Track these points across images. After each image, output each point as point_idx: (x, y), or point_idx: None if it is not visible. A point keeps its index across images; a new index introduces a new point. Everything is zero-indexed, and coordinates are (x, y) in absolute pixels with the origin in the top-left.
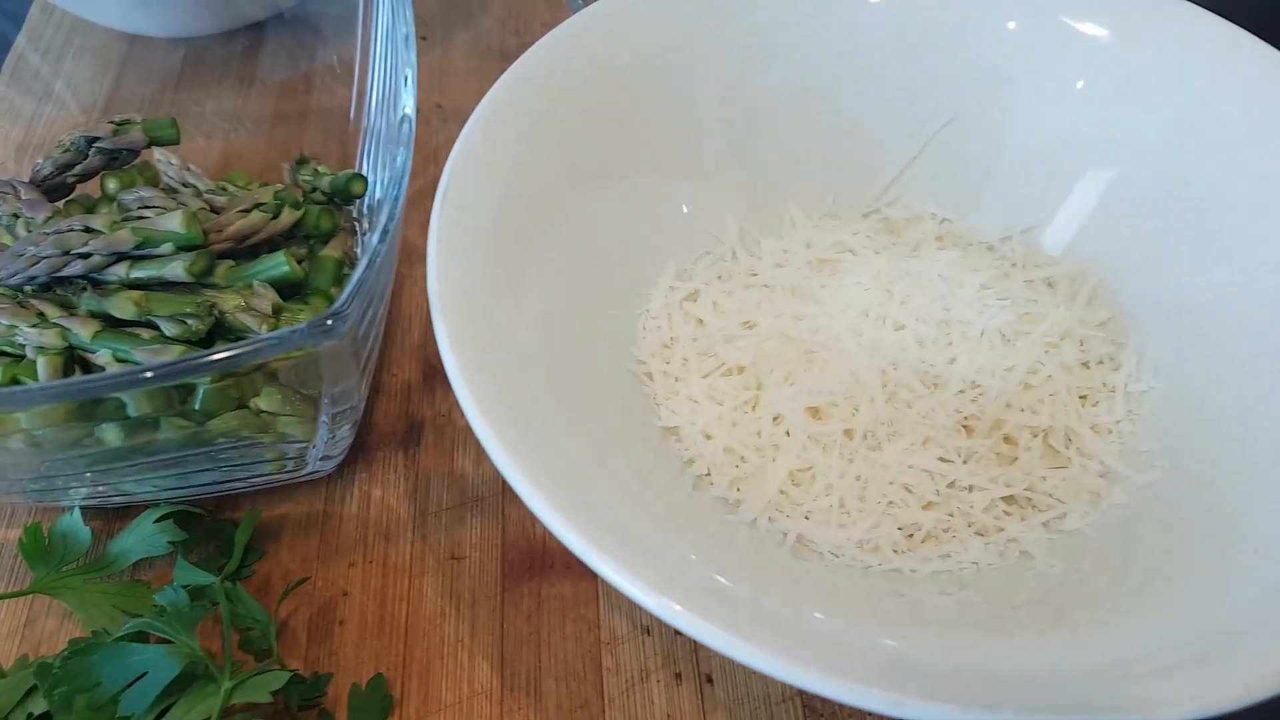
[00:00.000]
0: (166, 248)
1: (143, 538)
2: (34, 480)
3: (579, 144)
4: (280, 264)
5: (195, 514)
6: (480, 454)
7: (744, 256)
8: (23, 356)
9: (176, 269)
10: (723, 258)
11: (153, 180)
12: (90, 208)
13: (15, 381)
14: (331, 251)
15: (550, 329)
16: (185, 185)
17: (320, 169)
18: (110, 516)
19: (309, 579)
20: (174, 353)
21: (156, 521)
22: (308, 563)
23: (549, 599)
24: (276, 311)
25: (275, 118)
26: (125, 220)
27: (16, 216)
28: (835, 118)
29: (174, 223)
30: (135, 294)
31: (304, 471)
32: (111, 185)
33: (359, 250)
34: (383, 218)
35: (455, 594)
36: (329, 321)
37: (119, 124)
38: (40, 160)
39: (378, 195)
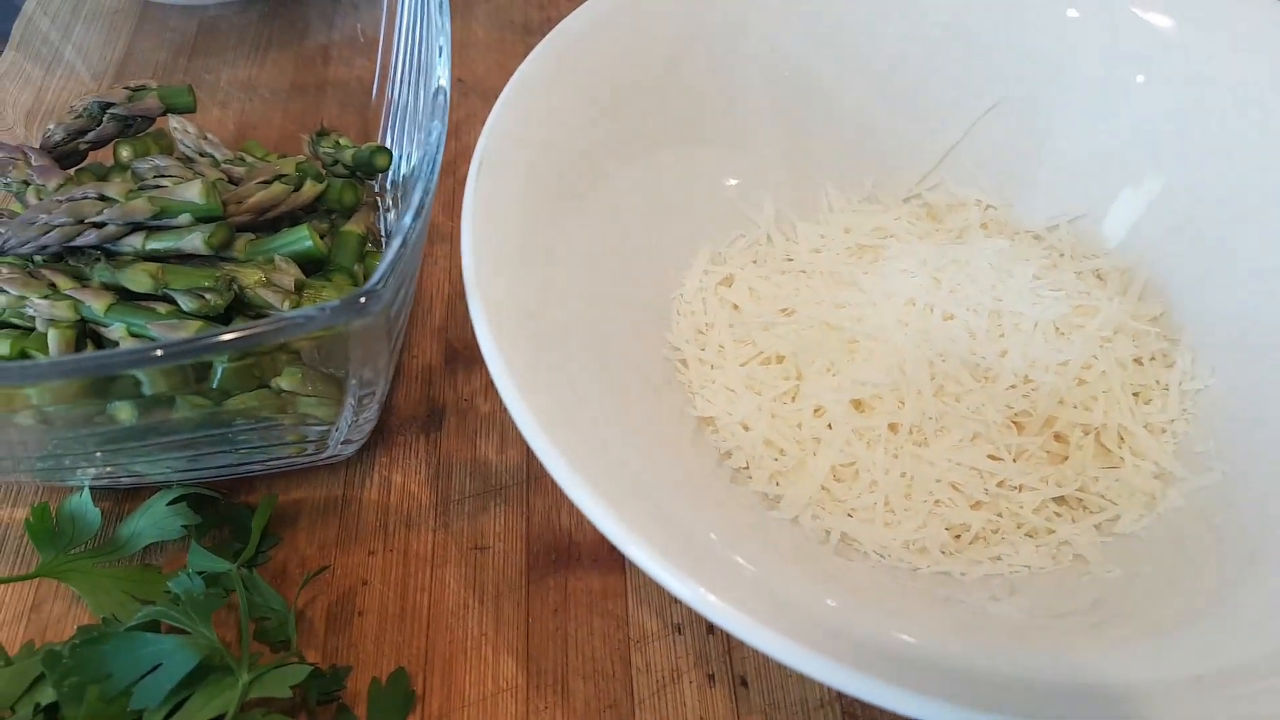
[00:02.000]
0: (184, 219)
1: (155, 520)
2: (42, 459)
3: (618, 115)
4: (303, 238)
5: (210, 497)
6: (504, 441)
7: (779, 241)
8: (32, 329)
9: (195, 241)
10: (757, 242)
11: (168, 149)
12: (102, 176)
13: (24, 355)
14: (354, 227)
15: (584, 309)
16: (202, 155)
17: (342, 141)
18: (120, 498)
19: (329, 567)
20: (191, 328)
21: (170, 504)
22: (326, 550)
23: (575, 593)
24: (299, 288)
25: (292, 89)
26: (141, 189)
27: (27, 184)
28: (881, 98)
29: (192, 193)
30: (151, 266)
31: (323, 455)
32: (125, 153)
33: (381, 226)
34: (417, 192)
35: (479, 586)
36: (362, 300)
37: (134, 90)
38: (52, 125)
39: (402, 171)
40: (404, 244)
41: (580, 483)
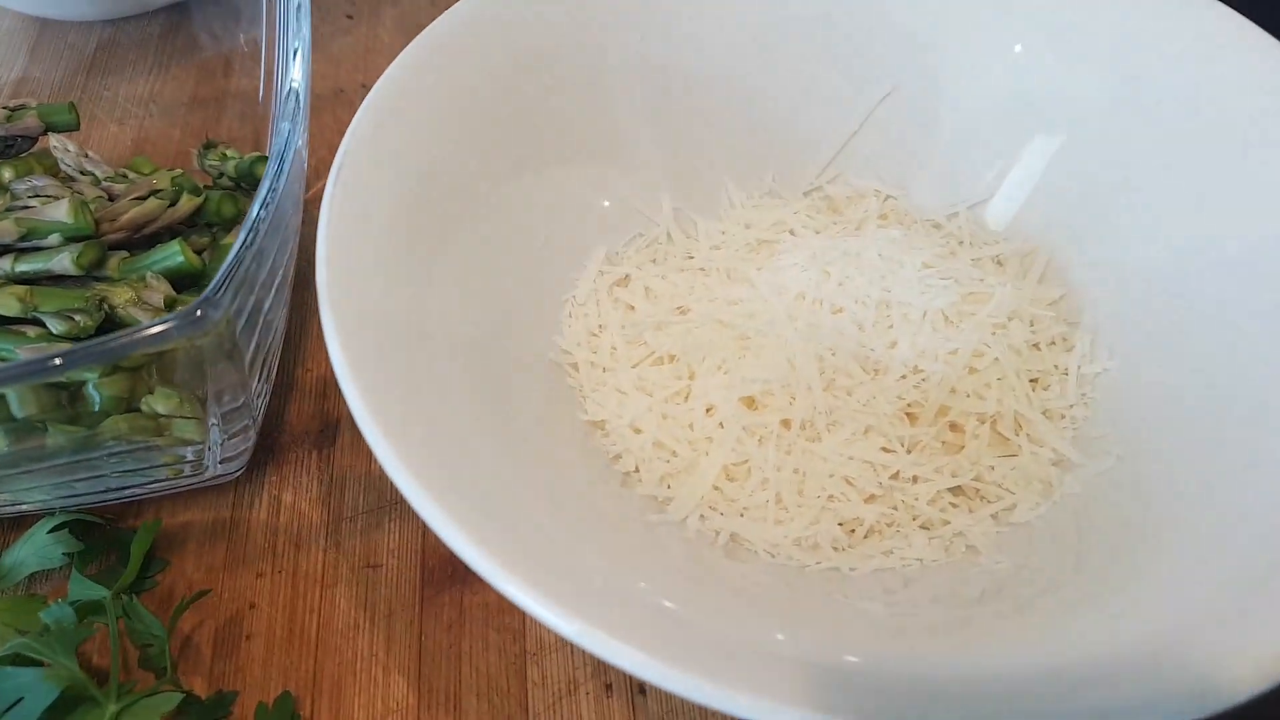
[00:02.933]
0: (54, 239)
1: (36, 549)
2: None
3: (492, 124)
4: (175, 254)
5: (94, 523)
6: None
7: (679, 238)
8: None
9: (64, 261)
10: (656, 240)
11: (52, 169)
12: None
13: None
14: (234, 239)
15: (462, 319)
16: (83, 173)
17: (228, 153)
18: (5, 527)
19: (209, 591)
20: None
21: (51, 532)
22: (214, 573)
23: (471, 608)
24: (169, 305)
25: (193, 102)
26: (10, 210)
27: None
28: (769, 93)
29: (60, 212)
30: (20, 289)
31: (206, 476)
32: (6, 174)
33: None
34: (262, 192)
35: (370, 605)
36: (198, 312)
37: (13, 110)
38: None
39: None
40: (246, 245)
41: (435, 506)
